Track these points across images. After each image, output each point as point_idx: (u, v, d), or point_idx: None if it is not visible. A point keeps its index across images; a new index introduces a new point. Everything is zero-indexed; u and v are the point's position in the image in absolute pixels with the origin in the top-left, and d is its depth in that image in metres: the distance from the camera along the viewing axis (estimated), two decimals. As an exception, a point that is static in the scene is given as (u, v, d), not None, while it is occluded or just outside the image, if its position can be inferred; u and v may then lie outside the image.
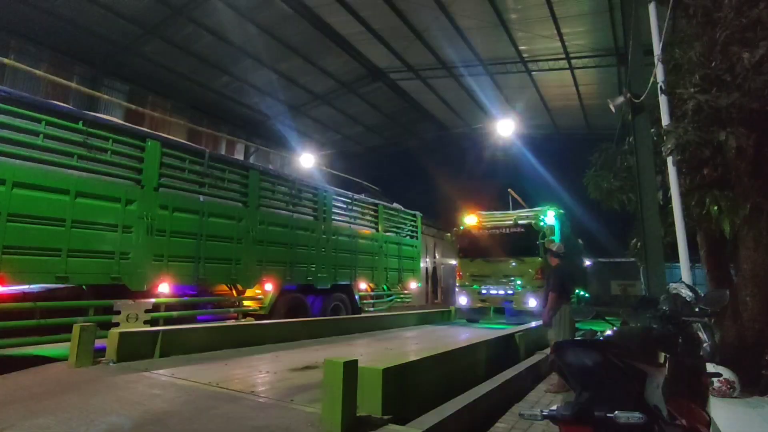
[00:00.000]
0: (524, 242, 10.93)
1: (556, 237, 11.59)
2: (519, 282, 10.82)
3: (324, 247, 9.59)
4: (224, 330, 6.63)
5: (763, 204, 4.94)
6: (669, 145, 5.07)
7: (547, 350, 6.02)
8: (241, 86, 17.29)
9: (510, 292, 10.86)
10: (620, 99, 6.20)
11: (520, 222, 11.27)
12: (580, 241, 18.34)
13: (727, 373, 4.61)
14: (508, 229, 11.46)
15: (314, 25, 14.18)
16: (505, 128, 15.72)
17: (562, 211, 12.69)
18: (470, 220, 12.27)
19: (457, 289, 12.21)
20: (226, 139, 19.08)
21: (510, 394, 4.70)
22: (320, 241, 9.51)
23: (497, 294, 11.09)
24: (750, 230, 5.12)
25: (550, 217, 11.64)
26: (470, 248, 11.91)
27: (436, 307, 16.28)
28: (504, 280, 11.06)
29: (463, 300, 11.66)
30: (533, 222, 11.11)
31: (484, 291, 11.29)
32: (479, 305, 11.32)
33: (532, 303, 10.30)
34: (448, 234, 13.79)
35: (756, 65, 4.34)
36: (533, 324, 7.98)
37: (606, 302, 21.67)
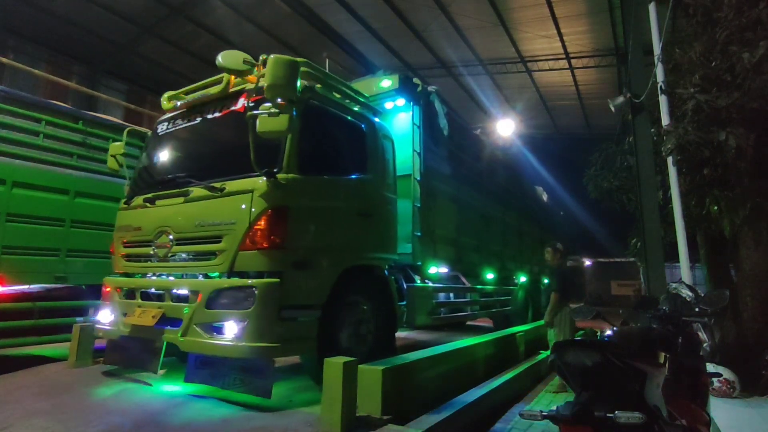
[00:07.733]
0: (237, 141, 3.80)
1: (407, 145, 5.16)
2: (211, 259, 3.52)
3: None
4: (224, 330, 6.61)
5: (763, 204, 4.94)
6: (669, 145, 5.07)
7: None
8: (240, 86, 17.28)
9: (180, 291, 3.66)
10: (620, 99, 6.21)
11: (233, 90, 4.38)
12: (541, 189, 12.12)
13: (727, 373, 4.61)
14: (211, 113, 4.43)
15: (313, 24, 14.17)
16: (505, 128, 15.74)
17: (432, 89, 5.55)
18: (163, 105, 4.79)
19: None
20: (225, 139, 19.05)
21: (510, 394, 4.70)
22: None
23: (156, 297, 3.88)
24: (750, 230, 5.13)
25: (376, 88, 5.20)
26: (144, 175, 4.70)
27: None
28: (174, 257, 3.79)
29: (104, 315, 4.33)
30: (267, 80, 3.37)
31: (151, 290, 3.96)
32: (128, 332, 3.87)
33: (230, 329, 3.24)
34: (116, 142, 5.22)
35: (756, 65, 4.34)
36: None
37: (606, 302, 21.67)
